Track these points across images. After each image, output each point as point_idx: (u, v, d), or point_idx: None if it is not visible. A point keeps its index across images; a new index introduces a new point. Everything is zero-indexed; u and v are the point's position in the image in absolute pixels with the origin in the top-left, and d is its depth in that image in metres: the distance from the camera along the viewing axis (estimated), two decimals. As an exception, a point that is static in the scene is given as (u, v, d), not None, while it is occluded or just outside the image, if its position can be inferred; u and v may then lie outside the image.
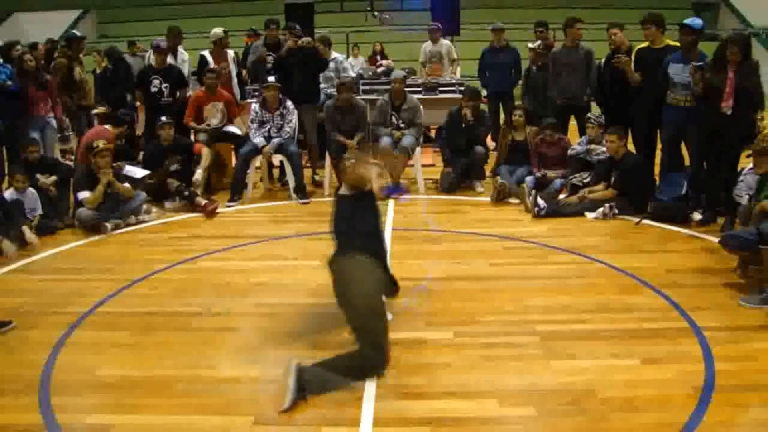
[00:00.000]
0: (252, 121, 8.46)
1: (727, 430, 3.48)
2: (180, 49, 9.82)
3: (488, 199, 8.11)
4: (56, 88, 8.83)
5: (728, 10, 21.76)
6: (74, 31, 9.47)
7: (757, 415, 3.66)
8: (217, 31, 9.75)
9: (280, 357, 4.27)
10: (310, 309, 5.01)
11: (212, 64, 9.26)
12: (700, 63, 6.55)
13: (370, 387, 3.89)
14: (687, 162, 7.28)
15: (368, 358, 3.93)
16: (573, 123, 8.86)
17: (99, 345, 4.53)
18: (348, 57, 15.85)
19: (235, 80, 9.66)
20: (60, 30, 19.67)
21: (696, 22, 6.93)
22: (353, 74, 10.53)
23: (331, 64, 9.67)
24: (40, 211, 7.01)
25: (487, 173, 8.96)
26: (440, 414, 3.64)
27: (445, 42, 11.71)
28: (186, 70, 9.70)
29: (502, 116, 10.30)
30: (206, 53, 9.60)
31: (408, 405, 3.74)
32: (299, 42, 8.81)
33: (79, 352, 4.43)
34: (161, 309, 5.13)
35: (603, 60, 8.19)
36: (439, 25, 11.92)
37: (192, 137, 8.89)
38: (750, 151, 6.21)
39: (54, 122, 8.75)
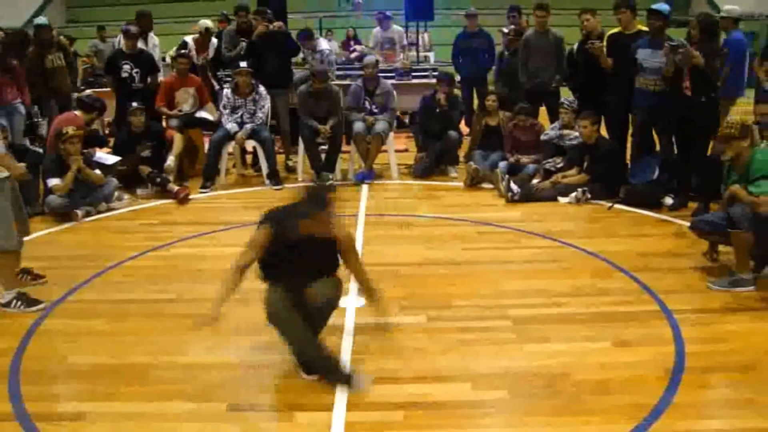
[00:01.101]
0: (224, 107, 8.39)
1: (696, 411, 3.52)
2: (150, 34, 9.72)
3: (462, 184, 8.14)
4: (23, 75, 8.68)
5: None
6: (40, 19, 9.31)
7: (725, 395, 3.73)
8: (206, 22, 9.71)
9: (253, 343, 4.28)
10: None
11: (193, 52, 9.21)
12: (675, 43, 6.58)
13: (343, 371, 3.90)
14: (658, 147, 7.34)
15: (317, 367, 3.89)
16: (543, 108, 8.90)
17: (71, 333, 4.48)
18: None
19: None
20: (28, 14, 19.36)
21: (663, 7, 6.97)
22: (333, 67, 10.46)
23: (317, 56, 9.67)
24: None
25: (461, 158, 8.98)
26: (414, 398, 3.65)
27: (397, 28, 11.72)
28: (157, 55, 9.60)
29: (475, 101, 10.31)
30: (189, 39, 9.55)
31: (382, 389, 3.75)
32: (271, 26, 8.75)
33: (50, 341, 4.39)
34: (134, 296, 5.10)
35: (575, 45, 8.23)
36: (387, 12, 11.91)
37: (163, 123, 8.81)
38: None
39: (22, 108, 8.62)
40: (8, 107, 8.26)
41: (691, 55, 6.40)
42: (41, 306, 4.86)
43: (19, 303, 4.83)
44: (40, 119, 9.54)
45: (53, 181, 7.01)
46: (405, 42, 11.70)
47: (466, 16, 10.40)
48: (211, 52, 9.71)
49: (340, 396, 3.67)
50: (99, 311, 4.82)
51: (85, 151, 7.34)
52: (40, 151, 8.24)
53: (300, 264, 3.89)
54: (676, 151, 7.11)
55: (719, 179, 5.48)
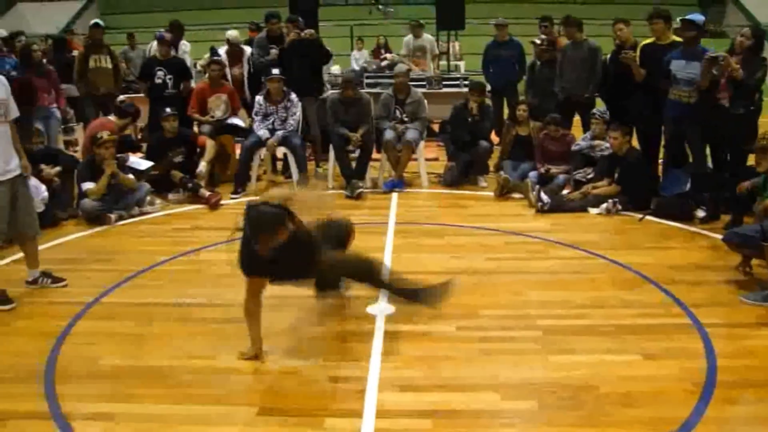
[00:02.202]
0: (256, 114, 8.47)
1: (727, 426, 3.49)
2: (182, 40, 9.86)
3: (491, 194, 8.13)
4: (58, 79, 8.84)
5: (735, 6, 21.73)
6: (96, 20, 9.46)
7: (756, 411, 3.67)
8: (233, 33, 9.77)
9: (283, 348, 4.32)
10: (312, 300, 5.03)
11: (226, 64, 9.27)
12: (716, 54, 6.50)
13: (372, 379, 3.92)
14: (690, 159, 7.28)
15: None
16: (577, 118, 8.86)
17: (102, 335, 4.55)
18: (352, 50, 15.92)
19: (246, 83, 9.60)
20: (63, 21, 19.70)
21: (698, 17, 6.92)
22: None
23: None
24: (46, 200, 7.01)
25: (491, 168, 8.97)
26: (442, 406, 3.66)
27: (428, 37, 11.73)
28: (188, 61, 9.71)
29: (505, 111, 10.27)
30: (221, 51, 9.63)
31: (410, 398, 3.76)
32: (302, 34, 8.82)
33: (82, 342, 4.46)
34: (163, 300, 5.16)
35: (608, 56, 8.19)
36: (420, 21, 11.92)
37: (195, 129, 8.91)
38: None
39: (57, 113, 8.79)
40: (44, 111, 8.42)
41: (732, 68, 6.31)
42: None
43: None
44: (74, 124, 9.72)
45: (87, 185, 7.12)
46: (437, 51, 11.72)
47: (495, 26, 10.34)
48: (245, 66, 9.66)
49: (370, 403, 3.68)
50: (129, 314, 4.88)
51: (118, 155, 7.44)
52: (74, 155, 8.39)
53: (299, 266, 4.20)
54: (708, 163, 7.04)
55: (753, 192, 5.43)
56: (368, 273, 4.38)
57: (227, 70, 9.30)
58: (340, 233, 4.59)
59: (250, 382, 3.96)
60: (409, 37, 11.70)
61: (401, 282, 4.54)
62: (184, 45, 9.93)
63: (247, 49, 9.71)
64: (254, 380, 3.98)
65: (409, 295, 4.49)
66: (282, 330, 4.59)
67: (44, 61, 9.09)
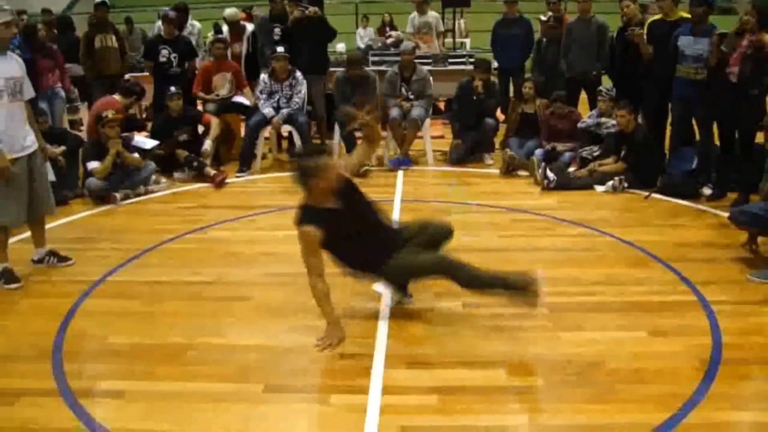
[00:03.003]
0: (261, 92, 8.44)
1: (732, 403, 3.49)
2: (191, 21, 9.82)
3: (497, 171, 8.11)
4: (63, 60, 8.81)
5: (742, -18, 21.49)
6: None
7: (762, 388, 3.68)
8: (230, 11, 9.71)
9: (289, 326, 4.33)
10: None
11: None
12: (724, 31, 6.43)
13: (379, 356, 3.93)
14: (697, 136, 7.24)
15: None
16: (584, 96, 8.81)
17: (110, 314, 4.57)
18: (357, 27, 15.82)
19: (243, 62, 9.53)
20: (65, 1, 19.58)
21: (707, -7, 6.85)
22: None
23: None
24: (52, 179, 7.00)
25: (497, 146, 8.94)
26: (449, 383, 3.67)
27: (433, 13, 11.61)
28: (195, 40, 9.67)
29: (512, 89, 10.20)
30: (224, 28, 9.58)
31: (417, 374, 3.77)
32: (306, 12, 8.77)
33: (90, 321, 4.48)
34: (171, 278, 5.17)
35: (615, 33, 8.13)
36: None
37: (199, 107, 8.88)
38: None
39: (62, 92, 8.76)
40: (48, 91, 8.41)
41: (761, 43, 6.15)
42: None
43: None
44: (78, 103, 9.69)
45: (93, 164, 7.12)
46: (442, 27, 11.62)
47: (504, 2, 10.19)
48: (245, 43, 9.59)
49: (376, 380, 3.69)
50: (136, 293, 4.90)
51: (124, 135, 7.44)
52: (79, 134, 8.38)
53: (361, 225, 4.16)
54: (716, 141, 7.01)
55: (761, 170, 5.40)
56: (446, 272, 4.18)
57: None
58: (436, 234, 4.47)
59: (258, 359, 3.97)
60: (414, 14, 11.62)
61: (488, 275, 4.22)
62: (192, 26, 9.87)
63: (249, 27, 9.64)
64: (261, 358, 3.98)
65: (502, 285, 4.15)
66: (288, 307, 4.60)
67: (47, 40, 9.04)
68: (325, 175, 4.00)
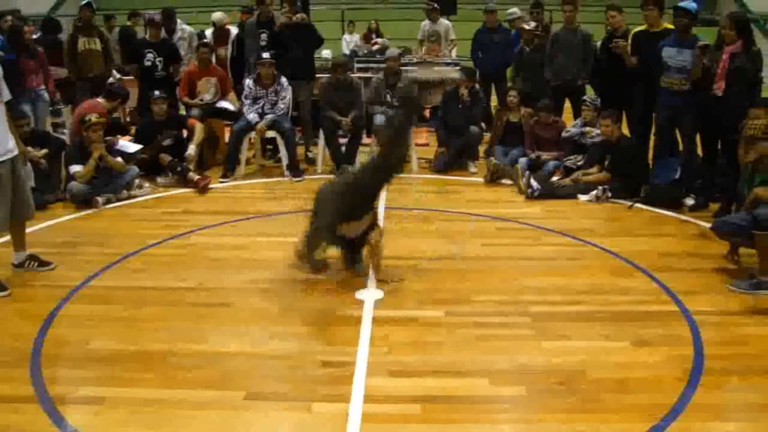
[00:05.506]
0: (245, 97, 8.40)
1: (714, 413, 3.50)
2: (182, 25, 9.80)
3: (482, 179, 8.11)
4: (47, 62, 8.74)
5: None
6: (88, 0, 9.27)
7: (743, 398, 3.69)
8: (218, 15, 9.68)
9: (271, 333, 4.30)
10: (302, 285, 5.02)
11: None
12: (707, 43, 6.47)
13: (361, 364, 3.91)
14: (681, 147, 7.28)
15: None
16: (568, 105, 8.84)
17: (91, 319, 4.53)
18: (343, 33, 15.79)
19: (229, 65, 9.48)
20: (52, 1, 19.45)
21: (691, 5, 6.88)
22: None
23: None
24: (32, 184, 6.94)
25: (481, 154, 8.95)
26: (431, 392, 3.65)
27: (445, 22, 11.60)
28: (185, 46, 9.63)
29: (493, 98, 10.21)
30: (208, 32, 9.56)
31: (399, 383, 3.75)
32: (294, 17, 8.75)
33: (70, 326, 4.43)
34: (153, 284, 5.13)
35: (600, 43, 8.17)
36: (436, 5, 11.79)
37: (182, 112, 8.82)
38: None
39: (45, 95, 8.69)
40: (32, 93, 8.33)
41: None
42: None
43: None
44: (61, 106, 9.60)
45: (75, 168, 7.06)
46: (452, 36, 11.61)
47: (485, 12, 10.25)
48: (229, 48, 9.55)
49: (358, 388, 3.67)
50: (118, 298, 4.85)
51: (107, 138, 7.38)
52: (62, 137, 8.30)
53: None
54: (699, 152, 7.04)
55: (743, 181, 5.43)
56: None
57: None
58: None
59: (240, 366, 3.94)
60: (426, 21, 11.58)
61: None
62: (183, 30, 9.83)
63: (233, 30, 9.61)
64: (243, 364, 3.96)
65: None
66: (271, 314, 4.57)
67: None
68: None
